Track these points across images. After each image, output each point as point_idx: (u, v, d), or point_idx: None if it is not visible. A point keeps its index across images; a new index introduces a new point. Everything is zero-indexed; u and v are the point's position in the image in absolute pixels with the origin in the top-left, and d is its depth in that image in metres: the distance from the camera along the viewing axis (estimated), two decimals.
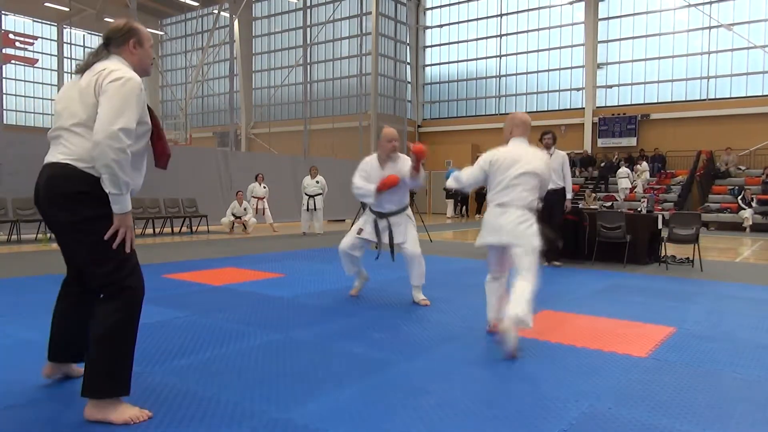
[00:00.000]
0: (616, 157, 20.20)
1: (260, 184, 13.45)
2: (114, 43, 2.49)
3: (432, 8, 26.57)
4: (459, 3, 25.47)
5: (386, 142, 4.75)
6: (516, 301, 3.39)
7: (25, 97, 33.11)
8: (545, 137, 7.54)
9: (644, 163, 19.30)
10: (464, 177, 3.94)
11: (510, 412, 2.54)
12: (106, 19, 28.99)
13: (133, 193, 2.67)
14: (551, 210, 7.21)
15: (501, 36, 24.41)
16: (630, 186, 18.54)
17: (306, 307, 4.79)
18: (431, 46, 26.76)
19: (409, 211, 4.92)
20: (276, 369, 3.09)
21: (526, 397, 2.74)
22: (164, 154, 2.73)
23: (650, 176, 19.27)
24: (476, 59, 25.21)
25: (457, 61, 25.82)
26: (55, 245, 8.76)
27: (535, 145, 7.15)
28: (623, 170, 18.79)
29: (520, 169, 3.63)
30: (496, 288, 3.88)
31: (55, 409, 2.49)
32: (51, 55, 33.93)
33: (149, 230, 12.00)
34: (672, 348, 3.66)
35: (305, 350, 3.48)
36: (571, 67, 22.64)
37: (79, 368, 2.70)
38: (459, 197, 22.38)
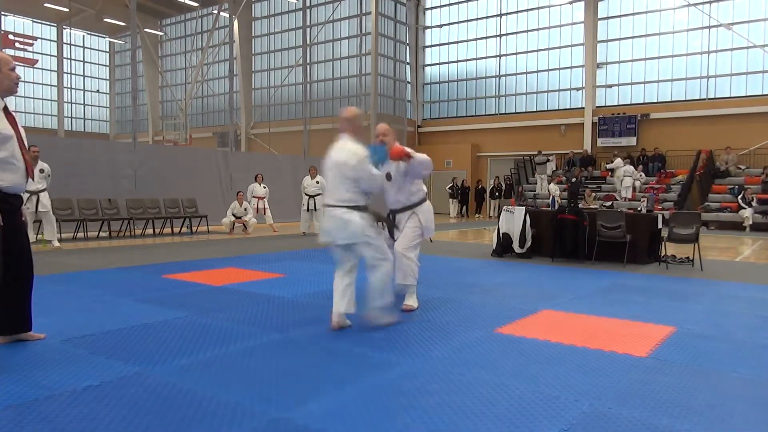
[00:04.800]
0: (615, 153, 20.16)
1: (260, 184, 13.46)
2: None
3: (432, 8, 26.54)
4: (459, 3, 25.45)
5: (375, 138, 4.64)
6: (371, 293, 3.90)
7: (24, 97, 33.09)
8: None
9: (618, 160, 19.47)
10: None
11: (510, 412, 2.54)
12: (106, 20, 29.03)
13: (20, 190, 3.36)
14: None
15: (501, 36, 24.39)
16: (632, 185, 18.51)
17: (306, 307, 4.79)
18: (431, 46, 26.74)
19: (420, 207, 4.68)
20: (276, 369, 3.10)
21: (526, 397, 2.74)
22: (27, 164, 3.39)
23: (646, 176, 19.19)
24: (476, 59, 25.18)
25: (457, 61, 25.80)
26: (56, 244, 8.78)
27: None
28: (627, 168, 18.75)
29: (332, 168, 3.78)
30: (338, 282, 4.01)
31: (54, 408, 2.49)
32: (51, 55, 33.93)
33: (149, 230, 12.00)
34: (672, 348, 3.66)
35: (305, 350, 3.49)
36: (571, 67, 22.62)
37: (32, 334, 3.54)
38: (460, 197, 22.37)
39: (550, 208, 12.83)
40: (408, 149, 4.43)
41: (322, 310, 4.62)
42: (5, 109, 3.32)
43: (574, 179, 19.20)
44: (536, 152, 21.42)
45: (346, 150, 3.77)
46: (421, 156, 4.48)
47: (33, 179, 3.55)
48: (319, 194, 12.42)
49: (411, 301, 4.66)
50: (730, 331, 4.12)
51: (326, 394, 2.72)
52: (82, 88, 35.84)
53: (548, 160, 21.17)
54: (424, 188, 4.85)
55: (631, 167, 18.76)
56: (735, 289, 5.96)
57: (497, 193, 21.61)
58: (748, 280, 6.69)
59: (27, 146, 3.46)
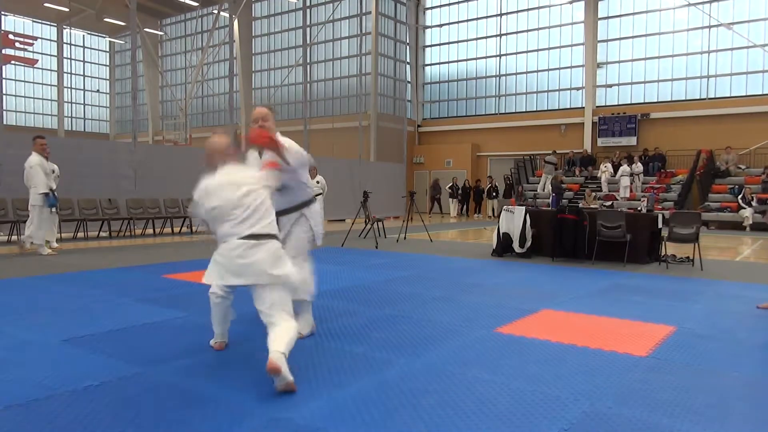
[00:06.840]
0: (616, 155, 20.17)
1: None
2: None
3: (432, 8, 26.54)
4: (459, 2, 25.45)
5: (252, 122, 3.90)
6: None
7: (24, 97, 33.09)
8: None
9: (608, 165, 19.48)
10: None
11: (510, 412, 2.54)
12: (106, 20, 29.02)
13: None
14: None
15: (501, 35, 24.39)
16: (629, 184, 18.50)
17: None
18: (431, 46, 26.74)
19: (309, 210, 3.84)
20: None
21: (526, 397, 2.74)
22: None
23: (645, 175, 19.19)
24: (476, 59, 25.19)
25: (457, 61, 25.81)
26: (56, 245, 8.77)
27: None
28: (624, 168, 18.76)
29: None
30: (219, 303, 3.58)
31: (54, 408, 2.49)
32: (51, 55, 33.92)
33: (149, 230, 11.99)
34: (672, 347, 3.66)
35: (305, 350, 3.48)
36: (571, 67, 22.63)
37: None
38: (460, 196, 22.38)
39: (550, 208, 12.82)
40: (276, 138, 3.65)
41: (321, 310, 4.62)
42: None
43: (562, 184, 18.74)
44: (551, 151, 21.21)
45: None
46: (290, 145, 3.75)
47: None
48: (319, 194, 12.43)
49: (302, 325, 3.72)
50: (730, 331, 4.12)
51: (326, 394, 2.71)
52: (82, 88, 35.83)
53: (549, 162, 21.12)
54: (312, 186, 4.03)
55: (626, 167, 18.75)
56: (735, 289, 5.96)
57: (494, 193, 21.61)
58: (748, 280, 6.68)
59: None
